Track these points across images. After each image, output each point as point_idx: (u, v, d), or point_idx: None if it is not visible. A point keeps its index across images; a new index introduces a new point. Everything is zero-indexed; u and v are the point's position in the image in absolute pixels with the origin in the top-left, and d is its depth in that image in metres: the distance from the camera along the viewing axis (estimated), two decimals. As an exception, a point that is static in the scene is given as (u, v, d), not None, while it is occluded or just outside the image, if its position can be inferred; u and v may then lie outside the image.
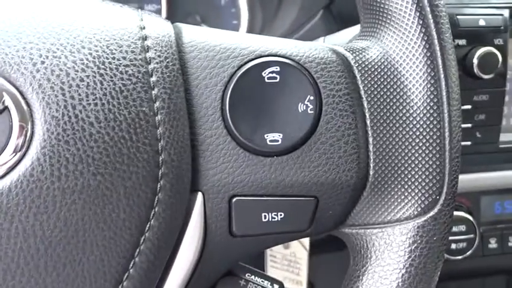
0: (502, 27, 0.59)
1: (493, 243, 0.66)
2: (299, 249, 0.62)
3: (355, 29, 0.50)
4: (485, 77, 0.58)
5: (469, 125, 0.59)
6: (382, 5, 0.33)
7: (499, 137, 0.61)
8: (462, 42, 0.58)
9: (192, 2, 0.75)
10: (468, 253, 0.63)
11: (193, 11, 0.75)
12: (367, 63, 0.33)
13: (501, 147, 0.62)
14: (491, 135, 0.61)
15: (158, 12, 0.74)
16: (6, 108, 0.28)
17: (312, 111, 0.31)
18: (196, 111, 0.31)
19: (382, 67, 0.33)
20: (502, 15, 0.59)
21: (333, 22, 0.63)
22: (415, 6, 0.32)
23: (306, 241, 0.63)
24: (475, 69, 0.57)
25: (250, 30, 0.75)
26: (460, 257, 0.62)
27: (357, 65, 0.33)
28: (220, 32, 0.34)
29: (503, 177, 0.63)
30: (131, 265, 0.29)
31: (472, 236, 0.63)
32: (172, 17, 0.74)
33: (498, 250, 0.66)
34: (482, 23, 0.58)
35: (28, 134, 0.28)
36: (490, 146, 0.61)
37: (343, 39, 0.49)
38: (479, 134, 0.60)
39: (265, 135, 0.31)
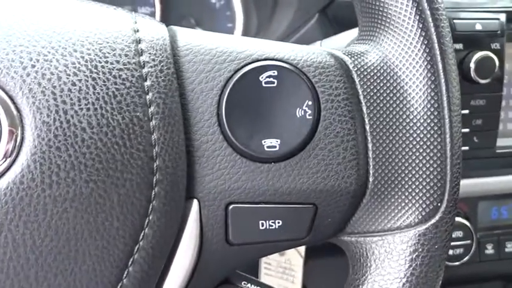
0: (498, 32, 0.58)
1: (489, 249, 0.65)
2: (294, 256, 0.62)
3: (352, 33, 0.49)
4: (482, 81, 0.57)
5: (467, 130, 0.59)
6: (381, 9, 0.33)
7: (496, 142, 0.61)
8: (459, 46, 0.58)
9: (187, 5, 0.74)
10: (465, 259, 0.62)
11: (188, 14, 0.74)
12: (366, 67, 0.32)
13: (498, 152, 0.61)
14: (488, 140, 0.61)
15: (152, 15, 0.73)
16: (-5, 113, 0.27)
17: (311, 117, 0.31)
18: (191, 116, 0.30)
19: (382, 71, 0.32)
20: (498, 19, 0.59)
21: (329, 25, 0.62)
22: (414, 9, 0.31)
23: (302, 248, 0.62)
24: (472, 74, 0.57)
25: (245, 33, 0.74)
26: (457, 263, 0.62)
27: (356, 69, 0.32)
28: (216, 35, 0.33)
29: (500, 182, 0.63)
30: (125, 275, 0.28)
31: (469, 241, 0.62)
32: (166, 19, 0.73)
33: (495, 256, 0.65)
34: (478, 27, 0.58)
35: (18, 140, 0.27)
36: (487, 151, 0.61)
37: (340, 43, 0.49)
38: (476, 139, 0.60)
39: (263, 141, 0.30)
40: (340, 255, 0.37)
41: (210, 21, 0.75)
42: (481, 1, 0.62)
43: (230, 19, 0.75)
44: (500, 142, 0.61)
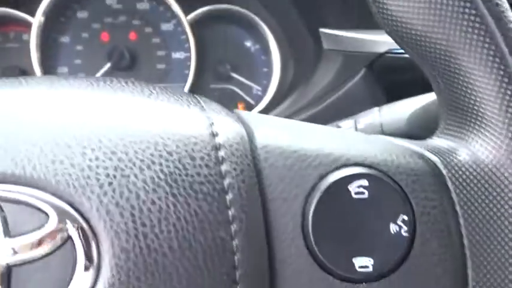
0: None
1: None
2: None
3: (412, 102, 0.47)
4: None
5: None
6: (476, 107, 0.30)
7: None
8: None
9: (222, 50, 0.72)
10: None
11: (223, 59, 0.72)
12: (460, 172, 0.30)
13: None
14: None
15: (187, 60, 0.71)
16: (69, 238, 0.24)
17: (406, 234, 0.28)
18: (273, 229, 0.28)
19: (478, 178, 0.29)
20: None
21: (375, 81, 0.60)
22: None
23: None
24: None
25: (282, 79, 0.72)
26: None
27: (450, 174, 0.30)
28: (294, 129, 0.31)
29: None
30: None
31: None
32: (201, 65, 0.71)
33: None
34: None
35: (94, 270, 0.24)
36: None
37: (400, 111, 0.47)
38: None
39: (353, 259, 0.28)
40: None
41: (245, 66, 0.73)
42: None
43: (266, 64, 0.73)
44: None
